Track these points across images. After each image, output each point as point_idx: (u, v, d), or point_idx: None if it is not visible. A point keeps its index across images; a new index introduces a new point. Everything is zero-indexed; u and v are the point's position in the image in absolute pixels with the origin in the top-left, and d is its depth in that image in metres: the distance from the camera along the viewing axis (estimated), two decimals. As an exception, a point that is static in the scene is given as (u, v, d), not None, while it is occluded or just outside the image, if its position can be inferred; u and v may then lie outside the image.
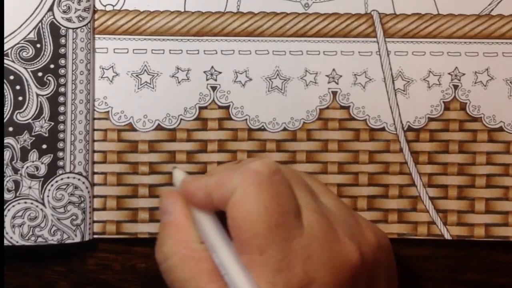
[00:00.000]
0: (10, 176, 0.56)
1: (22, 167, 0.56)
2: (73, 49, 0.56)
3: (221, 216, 0.48)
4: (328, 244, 0.45)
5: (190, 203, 0.49)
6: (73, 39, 0.56)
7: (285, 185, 0.46)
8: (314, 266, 0.44)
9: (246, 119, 0.58)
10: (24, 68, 0.56)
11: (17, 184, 0.56)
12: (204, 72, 0.58)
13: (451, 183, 0.58)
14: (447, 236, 0.58)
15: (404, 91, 0.58)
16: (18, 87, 0.56)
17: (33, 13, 0.56)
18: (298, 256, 0.43)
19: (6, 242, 0.56)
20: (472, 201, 0.58)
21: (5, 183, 0.56)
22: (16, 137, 0.56)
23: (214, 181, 0.46)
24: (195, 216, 0.48)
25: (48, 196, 0.56)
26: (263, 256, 0.43)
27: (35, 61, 0.56)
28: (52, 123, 0.56)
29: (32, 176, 0.56)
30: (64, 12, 0.56)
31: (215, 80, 0.58)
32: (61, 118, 0.56)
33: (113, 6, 0.58)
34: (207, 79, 0.58)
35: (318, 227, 0.45)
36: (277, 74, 0.58)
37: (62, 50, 0.56)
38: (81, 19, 0.57)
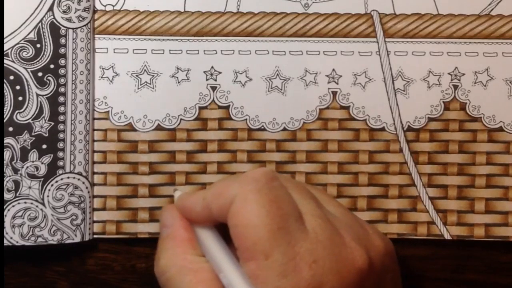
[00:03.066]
0: (10, 176, 0.56)
1: (22, 167, 0.56)
2: (73, 49, 0.56)
3: (221, 230, 0.48)
4: (334, 248, 0.45)
5: (189, 219, 0.49)
6: (73, 39, 0.56)
7: (283, 191, 0.46)
8: (320, 270, 0.43)
9: (246, 119, 0.58)
10: (24, 68, 0.56)
11: (17, 184, 0.56)
12: (204, 72, 0.58)
13: (451, 183, 0.58)
14: (447, 236, 0.58)
15: (404, 91, 0.58)
16: (18, 87, 0.56)
17: (33, 13, 0.56)
18: (303, 260, 0.43)
19: (6, 242, 0.56)
20: (472, 201, 0.58)
21: (5, 183, 0.56)
22: (16, 137, 0.56)
23: (211, 193, 0.46)
24: (196, 230, 0.48)
25: (48, 196, 0.56)
26: (268, 261, 0.43)
27: (35, 61, 0.56)
28: (52, 123, 0.56)
29: (32, 176, 0.56)
30: (64, 12, 0.56)
31: (215, 80, 0.58)
32: (61, 118, 0.56)
33: (113, 6, 0.58)
34: (207, 79, 0.58)
35: (322, 232, 0.45)
36: (277, 74, 0.58)
37: (62, 50, 0.56)
38: (81, 19, 0.57)
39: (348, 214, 0.49)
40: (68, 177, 0.57)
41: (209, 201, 0.47)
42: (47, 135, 0.56)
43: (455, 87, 0.58)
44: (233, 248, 0.46)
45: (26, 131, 0.56)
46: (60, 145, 0.56)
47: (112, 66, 0.58)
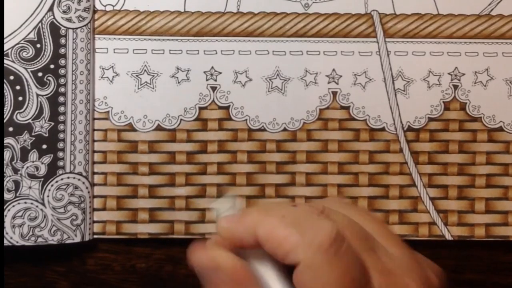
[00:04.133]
0: (10, 176, 0.56)
1: (22, 167, 0.56)
2: (73, 49, 0.56)
3: None
4: None
5: (239, 247, 0.45)
6: (73, 39, 0.56)
7: (351, 253, 0.42)
8: None
9: (246, 120, 0.58)
10: (24, 68, 0.56)
11: (17, 184, 0.56)
12: (204, 72, 0.58)
13: (451, 183, 0.58)
14: (448, 237, 0.58)
15: (404, 91, 0.58)
16: (18, 87, 0.56)
17: (33, 13, 0.56)
18: None
19: (6, 242, 0.56)
20: (472, 201, 0.58)
21: (5, 183, 0.56)
22: (16, 137, 0.56)
23: (265, 231, 0.41)
24: (251, 264, 0.44)
25: (48, 196, 0.56)
26: None
27: (35, 61, 0.56)
28: (52, 123, 0.56)
29: (32, 176, 0.56)
30: (64, 12, 0.56)
31: (215, 80, 0.58)
32: (61, 118, 0.56)
33: (113, 6, 0.58)
34: (207, 79, 0.58)
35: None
36: (277, 74, 0.58)
37: (62, 50, 0.56)
38: (81, 19, 0.57)
39: (402, 248, 0.47)
40: (68, 177, 0.57)
41: (261, 239, 0.43)
42: (47, 135, 0.56)
43: (455, 87, 0.58)
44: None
45: (26, 131, 0.56)
46: (60, 145, 0.56)
47: (112, 66, 0.58)
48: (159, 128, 0.58)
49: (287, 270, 0.42)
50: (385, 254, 0.45)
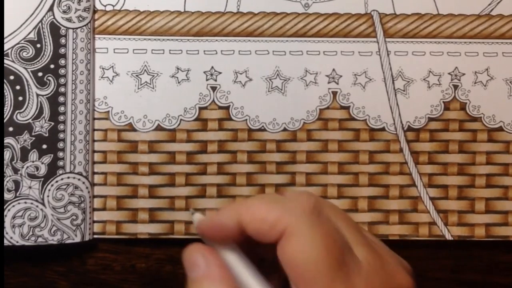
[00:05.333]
0: (10, 176, 0.56)
1: (22, 167, 0.56)
2: (73, 49, 0.56)
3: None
4: (386, 276, 0.45)
5: (214, 238, 0.47)
6: (73, 39, 0.56)
7: (332, 221, 0.45)
8: None
9: (246, 120, 0.58)
10: (24, 68, 0.56)
11: (17, 184, 0.56)
12: (204, 72, 0.58)
13: (451, 183, 0.58)
14: (448, 237, 0.58)
15: (404, 91, 0.58)
16: (18, 87, 0.56)
17: (33, 13, 0.56)
18: None
19: (6, 242, 0.56)
20: (472, 201, 0.58)
21: (5, 183, 0.56)
22: (16, 137, 0.56)
23: (250, 214, 0.44)
24: (224, 256, 0.46)
25: (48, 196, 0.56)
26: None
27: (35, 61, 0.56)
28: (52, 123, 0.56)
29: (32, 176, 0.56)
30: (64, 12, 0.56)
31: (215, 80, 0.58)
32: (61, 118, 0.56)
33: (113, 6, 0.58)
34: (207, 79, 0.58)
35: (374, 261, 0.45)
36: (277, 74, 0.58)
37: (62, 50, 0.56)
38: (81, 19, 0.57)
39: (379, 240, 0.49)
40: (68, 177, 0.57)
41: (245, 222, 0.45)
42: (47, 135, 0.56)
43: (455, 87, 0.58)
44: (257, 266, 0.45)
45: (26, 131, 0.56)
46: (60, 145, 0.57)
47: (112, 66, 0.58)
48: (159, 128, 0.58)
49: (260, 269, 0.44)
50: (367, 236, 0.47)
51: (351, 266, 0.44)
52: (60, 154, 0.56)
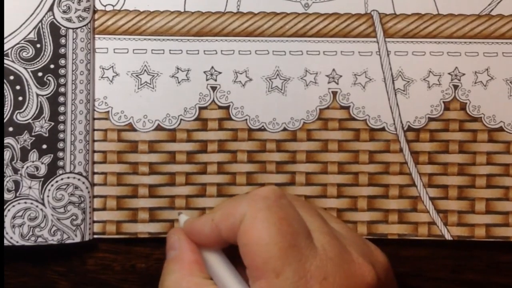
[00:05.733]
0: (10, 176, 0.56)
1: (22, 167, 0.56)
2: (73, 49, 0.56)
3: (229, 253, 0.48)
4: (343, 265, 0.45)
5: (197, 242, 0.48)
6: (73, 39, 0.56)
7: (292, 208, 0.46)
8: (331, 287, 0.44)
9: (246, 119, 0.58)
10: (24, 68, 0.56)
11: (17, 184, 0.56)
12: (204, 72, 0.58)
13: (452, 183, 0.58)
14: (447, 237, 0.58)
15: (404, 91, 0.58)
16: (18, 87, 0.56)
17: (33, 13, 0.56)
18: (314, 277, 0.43)
19: (6, 242, 0.56)
20: (473, 201, 0.58)
21: (5, 183, 0.56)
22: (16, 137, 0.56)
23: (220, 214, 0.46)
24: (203, 253, 0.48)
25: (48, 196, 0.56)
26: (279, 279, 0.43)
27: (35, 61, 0.56)
28: (52, 123, 0.56)
29: (32, 176, 0.56)
30: (64, 12, 0.56)
31: (215, 80, 0.58)
32: (61, 118, 0.56)
33: (113, 6, 0.58)
34: (207, 79, 0.58)
35: (331, 248, 0.45)
36: (277, 74, 0.58)
37: (62, 50, 0.56)
38: (81, 19, 0.57)
39: (351, 232, 0.50)
40: (68, 177, 0.57)
41: (217, 222, 0.46)
42: (47, 135, 0.56)
43: (455, 87, 0.58)
44: (242, 271, 0.46)
45: (26, 131, 0.56)
46: (60, 145, 0.56)
47: (112, 66, 0.58)
48: (159, 128, 0.58)
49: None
50: (331, 226, 0.47)
51: (306, 252, 0.44)
52: (60, 154, 0.56)
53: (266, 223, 0.44)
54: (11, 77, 0.56)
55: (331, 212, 0.58)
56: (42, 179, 0.56)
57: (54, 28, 0.56)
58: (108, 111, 0.58)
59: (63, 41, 0.56)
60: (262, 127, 0.58)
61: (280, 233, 0.44)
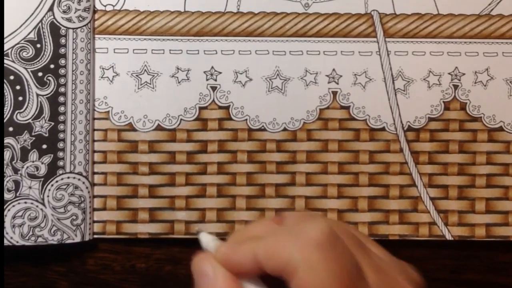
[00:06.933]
0: (10, 176, 0.56)
1: (22, 167, 0.56)
2: (73, 49, 0.56)
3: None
4: None
5: (233, 272, 0.46)
6: (73, 39, 0.56)
7: (345, 249, 0.44)
8: None
9: (246, 119, 0.58)
10: (24, 68, 0.56)
11: (17, 184, 0.56)
12: (204, 72, 0.58)
13: (452, 183, 0.58)
14: (448, 237, 0.58)
15: (404, 91, 0.58)
16: (18, 87, 0.56)
17: (33, 13, 0.56)
18: None
19: (6, 242, 0.56)
20: (473, 201, 0.58)
21: (5, 183, 0.56)
22: (16, 137, 0.56)
23: (265, 251, 0.43)
24: (243, 284, 0.46)
25: (48, 196, 0.56)
26: None
27: (35, 61, 0.56)
28: (52, 123, 0.56)
29: (32, 176, 0.56)
30: (64, 12, 0.56)
31: (215, 80, 0.58)
32: (61, 118, 0.56)
33: (113, 6, 0.58)
34: (207, 79, 0.58)
35: (383, 284, 0.44)
36: (277, 74, 0.58)
37: (62, 50, 0.56)
38: (81, 19, 0.57)
39: (386, 251, 0.48)
40: (68, 177, 0.57)
41: (261, 259, 0.44)
42: (47, 135, 0.56)
43: (455, 87, 0.58)
44: None
45: (26, 131, 0.56)
46: (60, 145, 0.57)
47: (112, 66, 0.58)
48: (159, 128, 0.58)
49: None
50: (375, 255, 0.46)
51: None
52: (60, 154, 0.56)
53: (324, 272, 0.42)
54: (11, 77, 0.56)
55: (332, 213, 0.58)
56: (42, 179, 0.56)
57: (54, 28, 0.56)
58: (108, 111, 0.58)
59: (63, 41, 0.56)
60: (262, 127, 0.58)
61: (339, 282, 0.43)
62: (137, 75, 0.58)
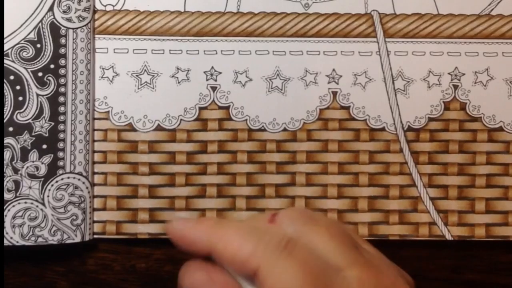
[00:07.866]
0: (10, 176, 0.56)
1: (22, 167, 0.56)
2: (73, 49, 0.56)
3: None
4: None
5: (186, 250, 0.45)
6: (73, 39, 0.56)
7: (309, 251, 0.43)
8: None
9: (246, 120, 0.58)
10: (24, 68, 0.56)
11: (17, 184, 0.56)
12: (204, 72, 0.58)
13: (452, 183, 0.58)
14: (448, 237, 0.58)
15: (404, 91, 0.58)
16: (18, 87, 0.56)
17: (33, 13, 0.56)
18: None
19: (6, 242, 0.56)
20: (473, 201, 0.58)
21: (5, 183, 0.56)
22: (16, 137, 0.56)
23: (223, 244, 0.42)
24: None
25: (48, 196, 0.56)
26: None
27: (35, 61, 0.56)
28: (52, 123, 0.56)
29: (32, 176, 0.56)
30: (64, 12, 0.56)
31: (215, 80, 0.58)
32: (61, 118, 0.56)
33: (113, 6, 0.58)
34: (207, 79, 0.58)
35: (368, 278, 0.43)
36: (277, 74, 0.58)
37: (62, 50, 0.56)
38: (81, 19, 0.57)
39: (384, 256, 0.48)
40: (68, 177, 0.57)
41: (216, 249, 0.43)
42: (47, 135, 0.56)
43: (455, 87, 0.58)
44: None
45: (26, 131, 0.56)
46: (60, 145, 0.57)
47: (112, 66, 0.58)
48: (159, 128, 0.58)
49: None
50: (366, 251, 0.46)
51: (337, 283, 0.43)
52: (60, 154, 0.56)
53: (290, 273, 0.42)
54: (11, 77, 0.56)
55: (332, 213, 0.58)
56: (42, 179, 0.56)
57: (54, 28, 0.56)
58: (108, 111, 0.58)
59: (63, 41, 0.56)
60: (262, 127, 0.58)
61: (304, 282, 0.42)
62: (137, 75, 0.58)
